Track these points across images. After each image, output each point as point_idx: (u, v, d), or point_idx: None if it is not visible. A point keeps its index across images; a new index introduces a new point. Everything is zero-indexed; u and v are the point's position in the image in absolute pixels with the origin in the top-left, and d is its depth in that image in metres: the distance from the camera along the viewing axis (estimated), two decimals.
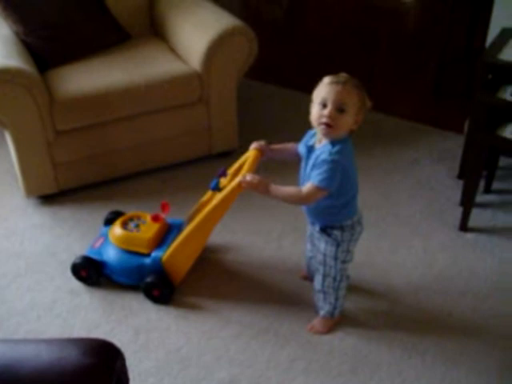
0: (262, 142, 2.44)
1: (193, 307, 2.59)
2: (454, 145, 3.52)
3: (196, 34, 3.19)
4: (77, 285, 2.70)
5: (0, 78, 2.75)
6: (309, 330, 2.47)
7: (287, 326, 2.49)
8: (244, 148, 3.31)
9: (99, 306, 2.60)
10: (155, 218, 2.67)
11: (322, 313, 2.47)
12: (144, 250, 2.61)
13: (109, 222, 2.84)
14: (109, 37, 3.39)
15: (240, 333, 2.46)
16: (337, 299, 2.42)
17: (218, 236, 2.87)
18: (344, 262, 2.34)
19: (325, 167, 2.08)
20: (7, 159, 3.34)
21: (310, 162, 2.18)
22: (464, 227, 2.95)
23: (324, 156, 2.10)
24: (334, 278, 2.37)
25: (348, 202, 2.22)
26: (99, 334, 2.44)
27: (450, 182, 3.28)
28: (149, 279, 2.57)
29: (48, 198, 3.18)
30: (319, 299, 2.45)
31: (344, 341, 2.42)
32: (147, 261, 2.60)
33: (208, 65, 3.11)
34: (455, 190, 3.15)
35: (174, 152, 3.34)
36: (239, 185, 2.29)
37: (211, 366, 2.33)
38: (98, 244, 2.73)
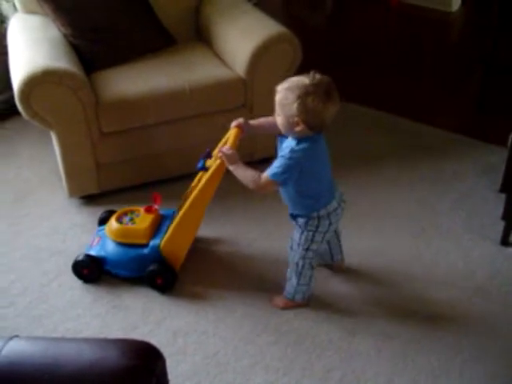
0: (241, 120, 2.54)
1: (230, 312, 2.60)
2: (497, 158, 3.46)
3: (241, 40, 3.20)
4: (117, 285, 2.73)
5: (48, 80, 2.79)
6: (270, 301, 2.63)
7: (324, 334, 2.48)
8: None
9: (138, 307, 2.63)
10: (148, 210, 2.76)
11: (284, 292, 2.61)
12: (142, 241, 2.69)
13: (103, 221, 2.92)
14: (155, 41, 3.42)
15: (277, 340, 2.46)
16: (298, 284, 2.54)
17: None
18: (307, 249, 2.45)
19: (281, 161, 2.23)
20: (52, 159, 3.37)
21: (281, 149, 2.32)
22: (505, 241, 2.92)
23: (286, 151, 2.24)
24: (297, 264, 2.50)
25: (312, 196, 2.35)
26: (137, 335, 2.46)
27: (492, 195, 3.23)
28: (150, 268, 2.65)
29: (90, 199, 3.22)
30: (286, 279, 2.59)
31: (381, 353, 2.41)
32: (146, 250, 2.68)
33: (252, 71, 3.12)
34: (497, 204, 3.09)
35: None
36: (221, 161, 2.42)
37: (247, 371, 2.34)
38: (95, 243, 2.80)
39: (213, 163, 2.55)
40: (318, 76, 2.20)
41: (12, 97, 3.89)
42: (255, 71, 3.13)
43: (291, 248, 2.50)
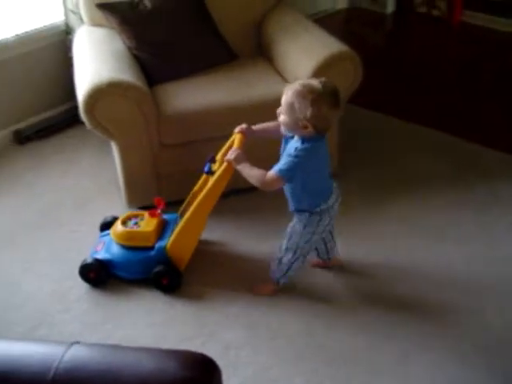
0: (244, 125, 2.64)
1: (284, 329, 2.60)
2: None
3: (303, 57, 3.21)
4: (173, 296, 2.76)
5: (112, 91, 2.86)
6: (253, 289, 2.76)
7: (382, 357, 2.46)
8: (342, 171, 3.35)
9: (192, 318, 2.66)
10: (152, 214, 2.84)
11: (272, 276, 2.73)
12: (148, 243, 2.77)
13: (105, 226, 3.00)
14: (217, 56, 3.46)
15: (332, 359, 2.45)
16: (288, 270, 2.67)
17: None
18: (307, 242, 2.58)
19: (287, 159, 2.35)
20: (111, 169, 3.44)
21: (287, 148, 2.44)
22: None
23: (291, 150, 2.36)
24: (294, 252, 2.61)
25: (313, 192, 2.48)
26: (190, 346, 2.42)
27: None
28: (156, 269, 2.73)
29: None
30: (274, 264, 2.69)
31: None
32: (152, 252, 2.76)
33: None
34: None
35: None
36: (229, 164, 2.52)
37: None
38: (100, 247, 2.88)
39: (218, 167, 2.64)
40: (326, 82, 2.33)
41: (75, 107, 4.01)
42: None
43: (290, 236, 2.60)
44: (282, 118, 2.38)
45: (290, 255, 2.63)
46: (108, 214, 3.07)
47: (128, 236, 2.80)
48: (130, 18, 3.35)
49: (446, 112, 4.23)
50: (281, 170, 2.35)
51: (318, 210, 2.50)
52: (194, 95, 3.15)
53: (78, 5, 3.65)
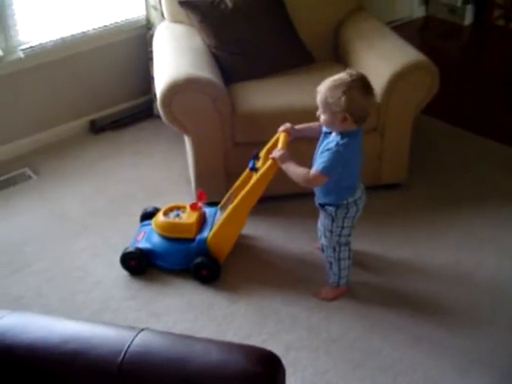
0: (288, 124, 2.69)
1: (343, 333, 2.60)
2: None
3: (380, 64, 3.20)
4: (234, 292, 2.80)
5: (191, 87, 2.91)
6: (314, 295, 2.76)
7: (438, 368, 2.44)
8: (411, 182, 3.33)
9: (254, 316, 2.68)
10: (193, 207, 2.90)
11: (329, 281, 2.76)
12: (189, 235, 2.84)
13: (145, 217, 3.09)
14: (294, 58, 3.49)
15: (391, 365, 2.44)
16: (339, 269, 2.69)
17: None
18: (339, 235, 2.62)
19: (328, 156, 2.38)
20: (182, 163, 3.52)
21: (323, 145, 2.48)
22: None
23: (331, 145, 2.40)
24: (334, 249, 2.66)
25: (345, 187, 2.52)
26: (250, 343, 2.49)
27: None
28: (197, 260, 2.80)
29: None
30: (327, 268, 2.75)
31: None
32: (193, 244, 2.83)
33: (388, 96, 3.12)
34: None
35: None
36: (274, 162, 2.56)
37: None
38: (140, 237, 2.97)
39: (262, 164, 2.68)
40: (353, 71, 2.40)
41: (150, 100, 4.10)
42: (391, 97, 3.12)
43: (324, 236, 2.67)
44: (322, 118, 2.44)
45: (331, 253, 2.69)
46: None
47: (169, 227, 2.87)
48: (210, 16, 3.40)
49: None
50: (325, 168, 2.40)
51: (344, 202, 2.54)
52: (269, 96, 3.18)
53: (160, 1, 3.72)
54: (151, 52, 3.68)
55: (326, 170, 2.40)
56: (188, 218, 2.87)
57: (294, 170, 2.50)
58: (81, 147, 3.91)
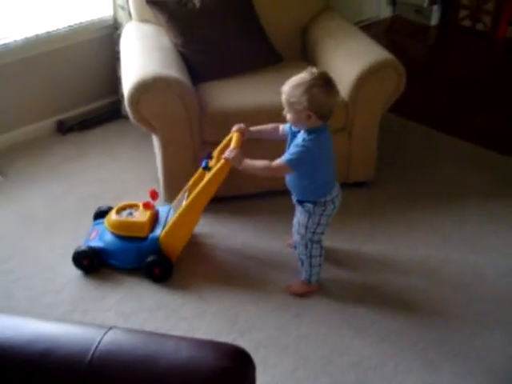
0: (242, 125, 2.74)
1: (314, 330, 2.61)
2: None
3: (347, 63, 3.22)
4: (206, 292, 2.80)
5: (158, 86, 2.89)
6: (285, 289, 2.80)
7: (405, 364, 2.46)
8: (379, 180, 3.36)
9: (224, 315, 2.68)
10: (147, 206, 2.92)
11: (301, 277, 2.79)
12: (141, 234, 2.85)
13: (99, 215, 3.09)
14: (262, 57, 3.49)
15: (361, 361, 2.46)
16: (311, 266, 2.73)
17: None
18: (314, 233, 2.65)
19: (295, 149, 2.44)
20: (151, 164, 3.50)
21: (293, 142, 2.51)
22: None
23: (298, 141, 2.46)
24: (306, 246, 2.70)
25: (321, 184, 2.56)
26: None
27: None
28: (149, 259, 2.81)
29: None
30: (299, 265, 2.79)
31: None
32: (145, 243, 2.84)
33: (356, 95, 3.14)
34: None
35: None
36: (226, 161, 2.60)
37: None
38: (93, 235, 2.96)
39: (215, 164, 2.71)
40: (314, 70, 2.42)
41: (118, 101, 4.08)
42: (358, 95, 3.14)
43: (298, 232, 2.69)
44: (288, 117, 2.48)
45: (303, 250, 2.72)
46: None
47: (122, 225, 2.88)
48: (178, 15, 3.39)
49: (487, 127, 4.19)
50: (289, 160, 2.45)
51: (322, 200, 2.57)
52: (237, 95, 3.18)
53: (127, 0, 3.70)
54: (118, 52, 3.66)
55: (291, 162, 2.45)
56: (140, 216, 2.88)
57: (252, 166, 2.55)
58: (48, 148, 3.88)
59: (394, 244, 3.09)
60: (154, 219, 2.93)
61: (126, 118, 3.72)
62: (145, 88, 2.89)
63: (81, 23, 3.93)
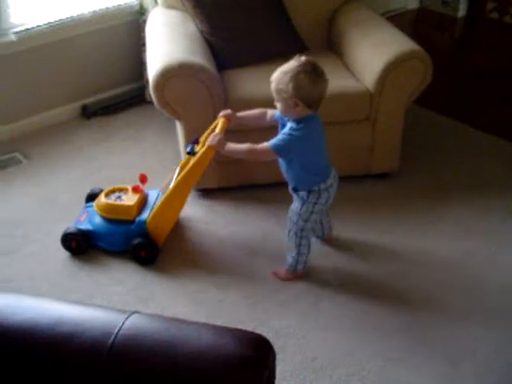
0: (229, 111, 2.76)
1: (333, 320, 2.61)
2: None
3: (373, 53, 3.20)
4: (224, 280, 2.80)
5: (184, 73, 2.90)
6: (271, 273, 2.82)
7: (425, 359, 2.45)
8: (403, 172, 3.34)
9: (244, 304, 2.69)
10: (135, 189, 2.96)
11: (287, 264, 2.79)
12: (128, 217, 2.88)
13: (90, 198, 3.11)
14: (287, 46, 3.46)
15: (379, 353, 2.45)
16: (299, 254, 2.74)
17: None
18: (306, 220, 2.66)
19: (282, 136, 2.48)
20: (174, 149, 3.51)
21: (281, 132, 2.53)
22: None
23: (286, 130, 2.49)
24: (296, 234, 2.70)
25: (314, 173, 2.58)
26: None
27: None
28: (135, 241, 2.84)
29: (206, 192, 3.31)
30: (288, 252, 2.79)
31: None
32: (132, 226, 2.87)
33: (381, 85, 3.12)
34: None
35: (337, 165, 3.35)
36: (209, 147, 2.61)
37: (343, 381, 2.34)
38: (83, 218, 3.00)
39: (200, 149, 2.73)
40: (303, 57, 2.46)
41: (142, 86, 4.08)
42: (384, 86, 3.12)
43: (290, 219, 2.70)
44: (277, 106, 2.51)
45: (292, 236, 2.73)
46: None
47: (110, 208, 2.91)
48: (204, 2, 3.39)
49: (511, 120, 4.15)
50: (274, 145, 2.48)
51: (316, 188, 2.59)
52: (261, 83, 3.13)
53: None
54: (144, 38, 3.66)
55: (276, 148, 2.47)
56: (128, 200, 2.92)
57: (235, 149, 2.59)
58: (72, 132, 3.90)
59: (416, 236, 3.07)
60: (143, 203, 2.96)
61: (150, 103, 3.72)
62: (170, 74, 2.90)
63: (107, 8, 3.93)
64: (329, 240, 3.00)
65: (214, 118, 3.02)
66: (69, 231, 2.91)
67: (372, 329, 2.57)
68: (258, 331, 2.33)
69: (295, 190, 2.66)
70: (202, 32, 3.36)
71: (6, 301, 1.61)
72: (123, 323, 1.49)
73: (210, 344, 1.46)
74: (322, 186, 2.59)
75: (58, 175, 3.49)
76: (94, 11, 3.89)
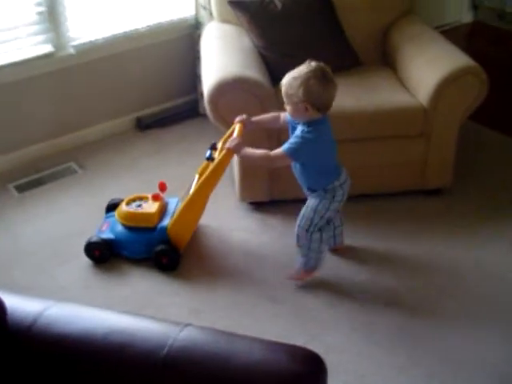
0: (244, 116, 2.78)
1: (386, 337, 2.59)
2: None
3: (428, 68, 3.18)
4: (279, 293, 2.81)
5: (238, 87, 2.93)
6: (287, 278, 2.85)
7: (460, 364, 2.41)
8: (456, 188, 3.29)
9: (296, 317, 2.69)
10: (155, 197, 3.01)
11: (298, 263, 2.83)
12: (150, 224, 2.93)
13: (111, 208, 3.15)
14: (342, 60, 3.47)
15: (433, 374, 2.41)
16: (309, 249, 2.77)
17: None
18: (322, 217, 2.72)
19: (294, 140, 2.54)
20: None
21: (293, 135, 2.59)
22: None
23: (297, 133, 2.55)
24: (307, 230, 2.73)
25: (326, 172, 2.66)
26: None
27: None
28: (157, 248, 2.88)
29: (258, 205, 3.33)
30: (298, 252, 2.83)
31: None
32: (154, 233, 2.92)
33: (436, 101, 3.09)
34: None
35: (384, 181, 3.36)
36: (228, 149, 2.65)
37: None
38: (104, 227, 3.06)
39: (219, 155, 2.77)
40: (313, 63, 2.51)
41: (195, 99, 4.13)
42: (439, 102, 3.09)
43: (303, 216, 2.74)
44: (287, 109, 2.57)
45: (303, 235, 2.75)
46: (219, 207, 3.21)
47: (131, 217, 2.96)
48: (259, 16, 3.42)
49: None
50: (287, 149, 2.53)
51: (331, 186, 2.65)
52: None
53: (209, 1, 3.74)
54: (198, 51, 3.71)
55: (289, 151, 2.53)
56: (149, 207, 2.97)
57: (251, 154, 2.64)
58: (126, 143, 3.95)
59: (467, 255, 3.03)
60: (163, 210, 3.01)
61: (203, 116, 3.75)
62: (225, 88, 2.93)
63: (163, 23, 3.99)
64: (340, 249, 3.03)
65: (268, 132, 3.05)
66: (92, 240, 2.97)
67: (427, 349, 2.54)
68: (309, 346, 2.36)
69: (311, 190, 2.72)
70: (256, 46, 3.39)
71: (63, 310, 1.64)
72: (177, 335, 1.51)
73: (262, 359, 1.47)
74: (337, 183, 2.66)
75: (111, 185, 3.55)
76: (150, 25, 3.95)
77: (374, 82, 3.34)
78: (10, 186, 3.58)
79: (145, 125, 4.10)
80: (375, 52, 3.69)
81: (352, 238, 3.07)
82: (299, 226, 2.76)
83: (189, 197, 2.87)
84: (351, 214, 3.14)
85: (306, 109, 2.48)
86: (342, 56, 3.50)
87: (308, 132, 2.52)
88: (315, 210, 2.70)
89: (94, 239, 2.97)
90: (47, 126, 3.81)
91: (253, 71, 3.05)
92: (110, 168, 3.71)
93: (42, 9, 3.52)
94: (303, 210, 2.76)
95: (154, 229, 2.93)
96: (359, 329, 2.63)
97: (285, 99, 2.54)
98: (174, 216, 2.91)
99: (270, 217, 3.27)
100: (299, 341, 2.47)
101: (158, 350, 1.47)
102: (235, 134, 2.72)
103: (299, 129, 2.56)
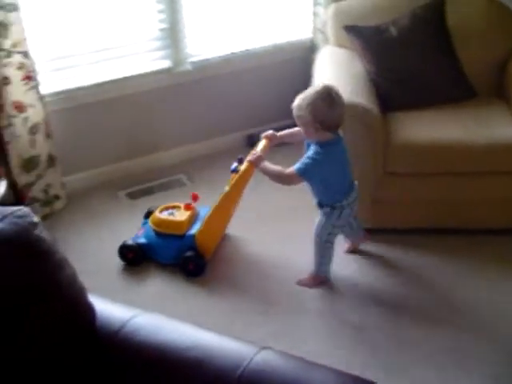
0: (270, 131, 2.97)
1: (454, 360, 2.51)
2: None
3: None
4: (361, 320, 2.77)
5: (347, 113, 2.88)
6: (297, 283, 2.96)
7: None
8: None
9: (385, 346, 2.63)
10: (187, 207, 3.15)
11: (313, 271, 2.94)
12: (179, 232, 3.07)
13: (148, 215, 3.29)
14: (455, 91, 3.40)
15: None
16: (320, 256, 2.89)
17: None
18: (330, 234, 2.84)
19: (306, 160, 2.65)
20: None
21: (306, 155, 2.69)
22: None
23: (310, 153, 2.65)
24: (317, 244, 2.85)
25: (336, 191, 2.75)
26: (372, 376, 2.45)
27: None
28: (186, 254, 3.02)
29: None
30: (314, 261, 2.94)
31: None
32: (183, 240, 3.05)
33: None
34: None
35: (493, 216, 3.24)
36: (248, 161, 2.83)
37: None
38: (140, 232, 3.21)
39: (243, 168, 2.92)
40: (320, 84, 2.66)
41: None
42: None
43: (315, 230, 2.85)
44: (301, 130, 2.69)
45: (316, 247, 2.87)
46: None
47: (162, 224, 3.11)
48: (374, 42, 3.42)
49: None
50: (298, 169, 2.65)
51: (338, 204, 2.75)
52: (426, 128, 3.13)
53: (325, 25, 3.77)
54: (312, 74, 3.73)
55: (300, 172, 2.64)
56: (180, 216, 3.11)
57: (268, 169, 2.77)
58: (236, 159, 4.01)
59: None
60: (193, 219, 3.14)
61: None
62: None
63: (278, 44, 4.06)
64: (360, 241, 3.14)
65: (374, 159, 3.02)
66: (127, 243, 3.13)
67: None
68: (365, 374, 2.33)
69: (320, 205, 2.81)
70: (368, 72, 3.38)
71: (148, 320, 1.70)
72: (253, 357, 1.52)
73: None
74: (344, 202, 2.75)
75: (216, 198, 3.60)
76: (267, 45, 4.02)
77: (487, 115, 3.25)
78: (122, 194, 3.76)
79: (255, 142, 4.11)
80: (491, 84, 3.57)
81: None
82: (314, 233, 2.87)
83: (213, 207, 3.02)
84: (456, 246, 3.13)
85: (316, 129, 2.58)
86: (456, 87, 3.43)
87: (318, 153, 2.62)
88: (322, 227, 2.82)
89: (129, 242, 3.14)
90: (161, 138, 3.97)
91: (362, 98, 3.03)
92: (218, 182, 3.71)
93: (164, 25, 3.67)
94: (315, 226, 2.86)
95: (183, 236, 3.06)
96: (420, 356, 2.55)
97: (297, 122, 2.66)
98: (202, 224, 3.04)
99: (374, 247, 3.23)
100: (380, 375, 2.44)
101: (234, 370, 1.49)
102: (258, 148, 2.88)
103: (312, 149, 2.66)
